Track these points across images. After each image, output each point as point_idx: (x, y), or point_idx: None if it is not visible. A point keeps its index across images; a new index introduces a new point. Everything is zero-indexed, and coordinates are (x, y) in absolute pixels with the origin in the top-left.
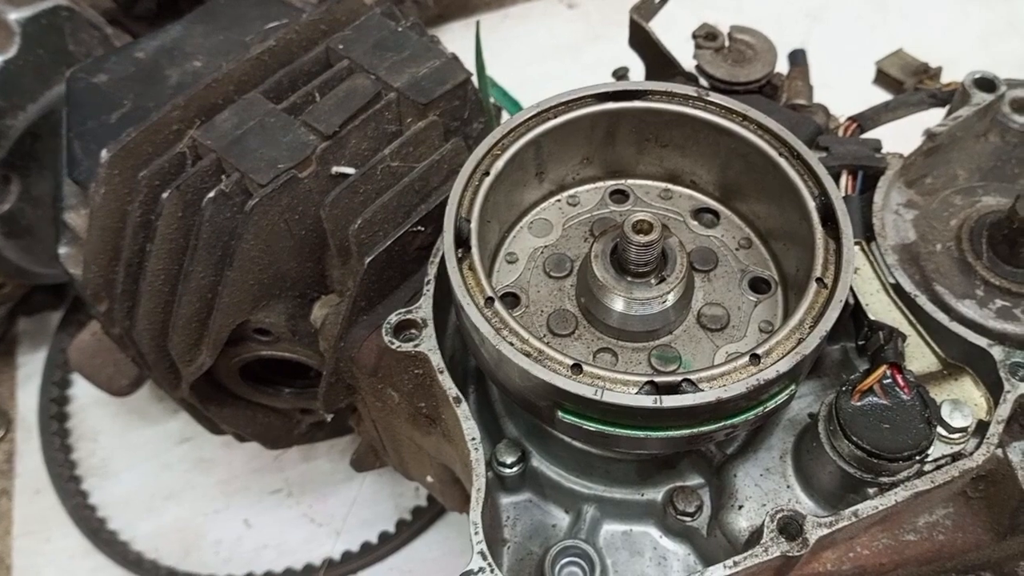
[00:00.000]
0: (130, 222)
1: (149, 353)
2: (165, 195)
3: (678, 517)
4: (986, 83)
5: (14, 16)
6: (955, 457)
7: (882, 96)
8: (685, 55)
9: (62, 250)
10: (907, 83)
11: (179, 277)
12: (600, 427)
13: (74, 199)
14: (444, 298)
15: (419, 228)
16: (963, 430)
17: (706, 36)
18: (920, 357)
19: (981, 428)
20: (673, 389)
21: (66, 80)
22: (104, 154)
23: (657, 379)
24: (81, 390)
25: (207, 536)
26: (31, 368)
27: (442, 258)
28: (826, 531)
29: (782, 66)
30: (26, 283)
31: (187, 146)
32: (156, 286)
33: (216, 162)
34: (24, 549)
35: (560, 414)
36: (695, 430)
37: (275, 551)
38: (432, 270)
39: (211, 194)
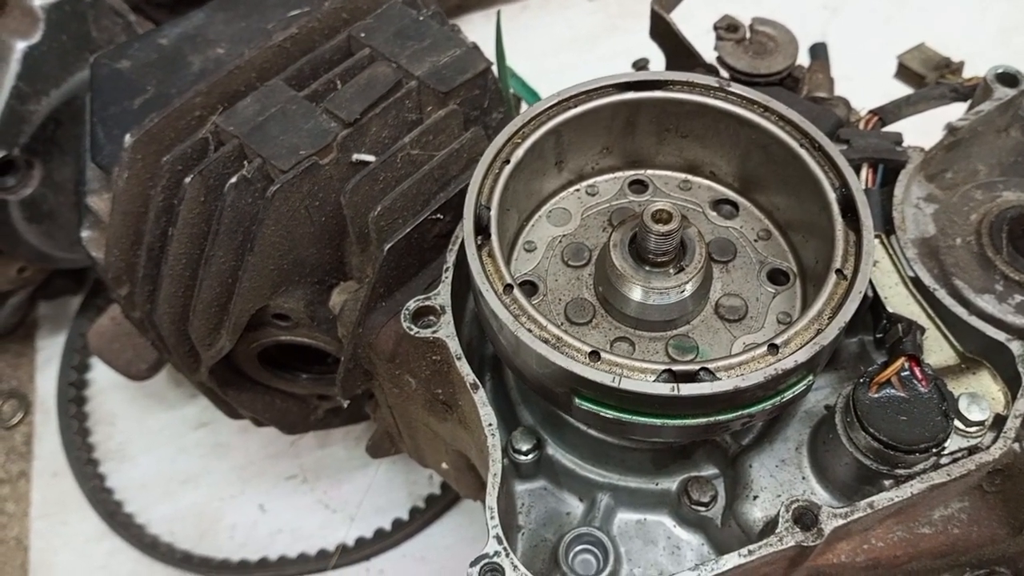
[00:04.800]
0: (152, 206)
1: (169, 337)
2: (187, 180)
3: (692, 507)
4: (1008, 78)
5: (39, 2)
6: (972, 450)
7: (903, 90)
8: (706, 47)
9: (85, 233)
10: (929, 77)
11: (200, 262)
12: (617, 414)
13: (97, 183)
14: (462, 285)
15: (438, 216)
16: (980, 424)
17: (727, 28)
18: (938, 350)
19: (998, 422)
20: (691, 377)
21: (90, 66)
22: (127, 139)
23: (675, 367)
24: (100, 374)
25: (222, 520)
26: (50, 352)
27: (461, 245)
28: (841, 522)
29: (803, 59)
30: (47, 267)
31: (209, 132)
32: (177, 270)
33: (238, 148)
34: (42, 531)
35: (577, 401)
36: (712, 419)
37: (289, 536)
38: (451, 257)
39: (233, 180)
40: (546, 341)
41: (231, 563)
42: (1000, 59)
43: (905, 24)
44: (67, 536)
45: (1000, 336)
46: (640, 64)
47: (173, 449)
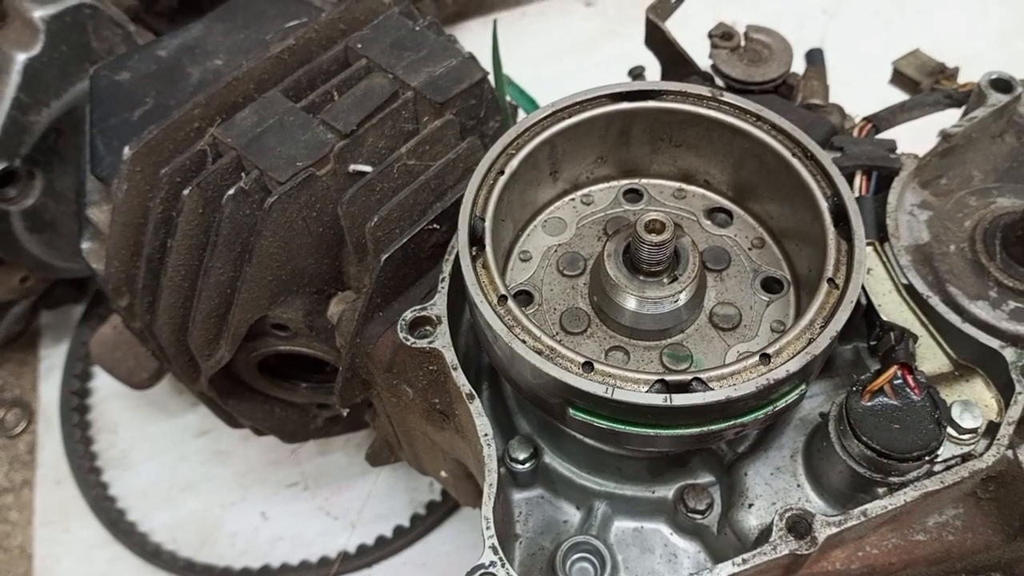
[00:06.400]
0: (151, 218)
1: (169, 347)
2: (186, 192)
3: (689, 515)
4: (1002, 84)
5: (39, 14)
6: (965, 458)
7: (898, 96)
8: (701, 54)
9: (85, 245)
10: (923, 83)
11: (199, 273)
12: (611, 424)
13: (97, 195)
14: (459, 295)
15: (435, 226)
16: (973, 431)
17: (722, 36)
18: (932, 358)
19: (991, 429)
20: (683, 388)
21: (90, 77)
22: (126, 151)
23: (668, 377)
24: (102, 383)
25: (224, 528)
26: (53, 361)
27: (457, 256)
28: (835, 530)
29: (799, 65)
30: (49, 277)
31: (208, 144)
32: (176, 281)
33: (236, 159)
34: (45, 539)
35: (571, 411)
36: (705, 428)
37: (291, 543)
38: (447, 268)
39: (231, 191)
40: (540, 352)
41: (233, 571)
42: (999, 62)
43: (904, 28)
44: (70, 544)
45: (993, 343)
46: (636, 72)
47: (175, 457)
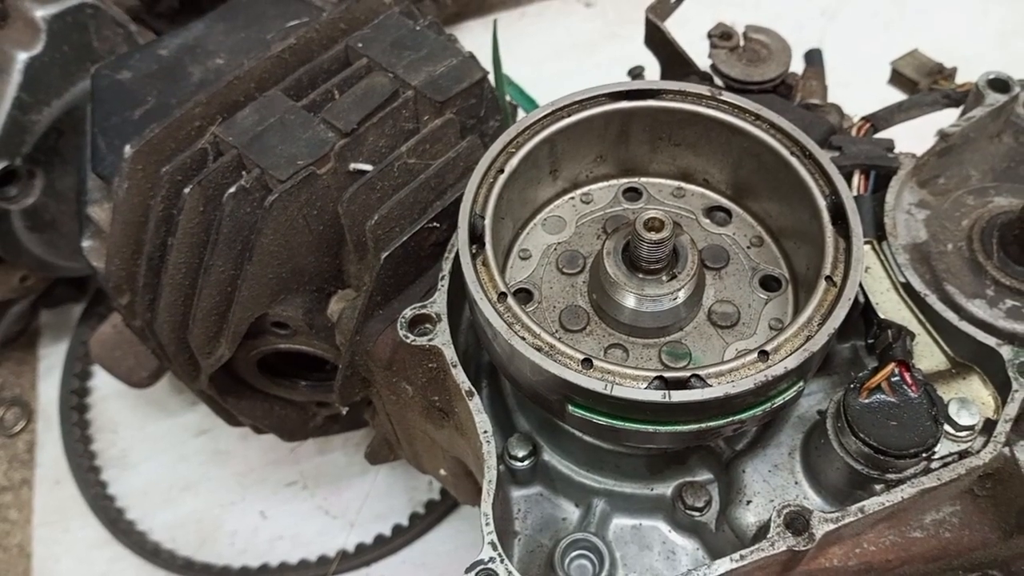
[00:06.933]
0: (152, 216)
1: (169, 345)
2: (187, 190)
3: (687, 512)
4: (1000, 84)
5: (40, 13)
6: (962, 455)
7: (897, 96)
8: (700, 54)
9: (86, 243)
10: (921, 83)
11: (200, 271)
12: (610, 421)
13: (98, 193)
14: (458, 293)
15: (434, 224)
16: (970, 428)
17: (721, 35)
18: (929, 356)
19: (988, 427)
20: (682, 384)
21: (91, 77)
22: (128, 149)
23: (666, 374)
24: (101, 382)
25: (223, 527)
26: (52, 360)
27: (456, 254)
28: (832, 526)
29: (798, 65)
30: (48, 276)
31: (209, 142)
32: (177, 279)
33: (237, 158)
34: (44, 538)
35: (570, 408)
36: (703, 425)
37: (290, 543)
38: (447, 266)
39: (232, 189)
40: (539, 349)
41: (232, 570)
42: (998, 63)
43: (903, 28)
44: (69, 543)
45: (990, 341)
46: (636, 72)
47: (174, 456)
